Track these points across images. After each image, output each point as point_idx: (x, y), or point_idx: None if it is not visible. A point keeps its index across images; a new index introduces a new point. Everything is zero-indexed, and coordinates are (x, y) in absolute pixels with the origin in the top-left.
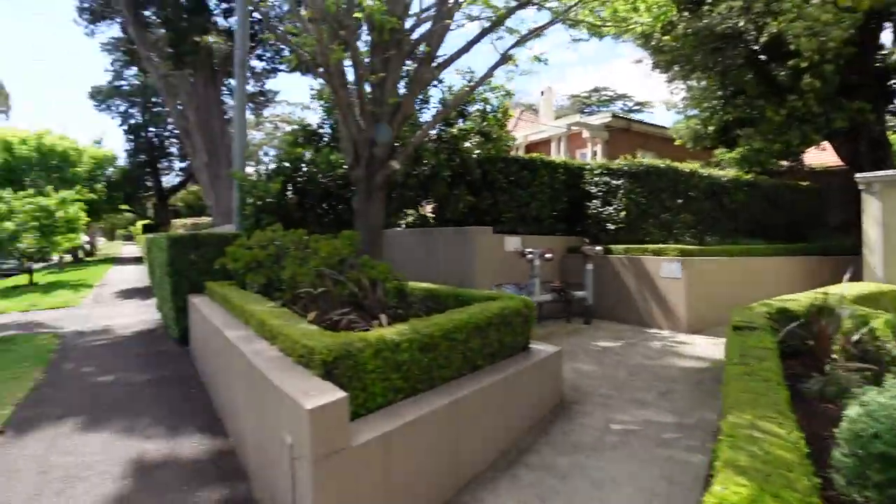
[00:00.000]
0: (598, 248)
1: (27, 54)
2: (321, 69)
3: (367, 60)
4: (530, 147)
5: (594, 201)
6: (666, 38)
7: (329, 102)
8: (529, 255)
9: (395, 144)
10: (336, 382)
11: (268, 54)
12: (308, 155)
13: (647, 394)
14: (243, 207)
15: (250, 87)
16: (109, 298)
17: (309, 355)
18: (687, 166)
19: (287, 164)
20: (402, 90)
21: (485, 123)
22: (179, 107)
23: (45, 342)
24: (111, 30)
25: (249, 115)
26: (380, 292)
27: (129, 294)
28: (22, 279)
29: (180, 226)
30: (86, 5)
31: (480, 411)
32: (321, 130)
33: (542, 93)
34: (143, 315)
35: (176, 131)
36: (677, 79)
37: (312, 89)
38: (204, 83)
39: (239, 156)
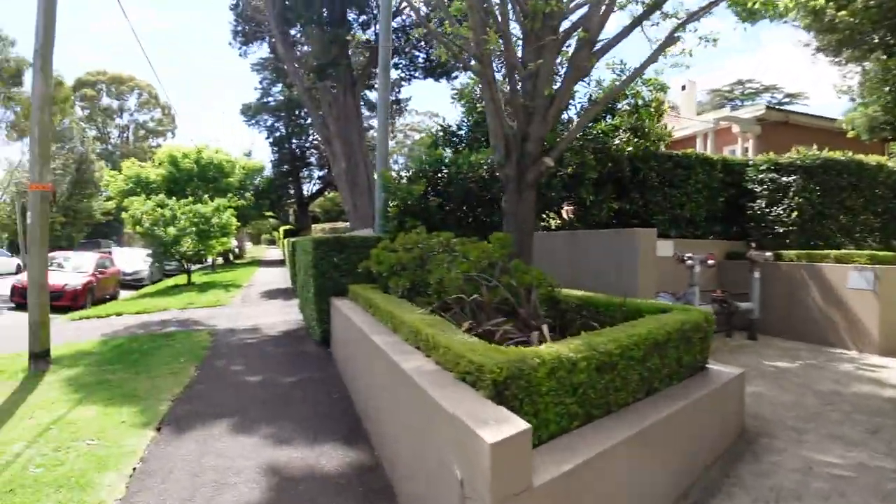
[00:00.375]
0: (768, 253)
1: (188, 77)
2: (472, 61)
3: (519, 52)
4: (671, 146)
5: (758, 201)
6: (841, 13)
7: (469, 102)
8: (689, 261)
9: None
10: (507, 406)
11: (402, 62)
12: (448, 156)
13: (851, 429)
14: (386, 210)
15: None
16: (256, 298)
17: (477, 373)
18: (872, 159)
19: (428, 167)
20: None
21: (636, 118)
22: (321, 117)
23: (200, 339)
24: (261, 49)
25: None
26: (535, 300)
27: (273, 295)
28: (181, 279)
29: (319, 230)
30: (239, 29)
31: (663, 443)
32: (460, 132)
33: (684, 87)
34: (286, 315)
35: (315, 141)
36: (851, 61)
37: (454, 89)
38: (343, 93)
39: (382, 157)
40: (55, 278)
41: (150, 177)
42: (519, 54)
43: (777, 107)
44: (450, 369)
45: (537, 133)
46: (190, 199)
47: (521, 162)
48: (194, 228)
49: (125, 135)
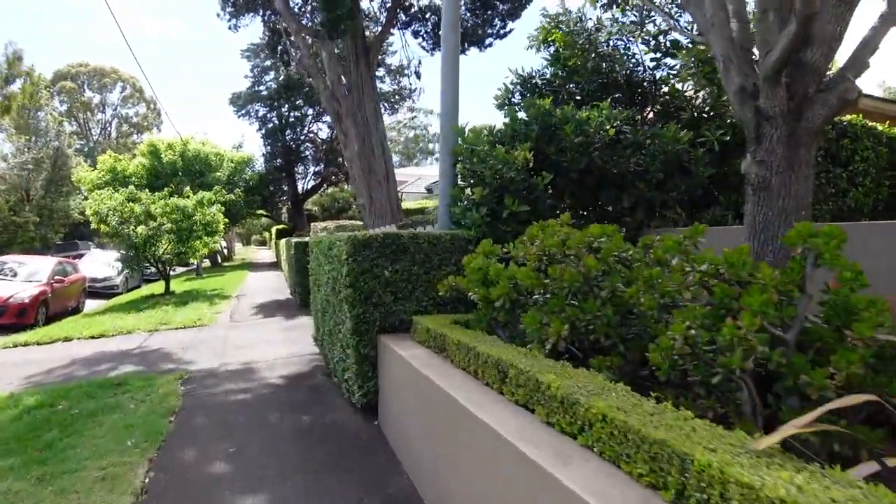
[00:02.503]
0: None
1: (175, 72)
2: None
3: None
4: None
5: None
6: None
7: (564, 44)
8: None
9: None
10: None
11: (423, 29)
12: (558, 113)
13: None
14: (461, 193)
15: (387, 86)
16: (248, 315)
17: None
18: None
19: (528, 125)
20: None
21: None
22: (329, 90)
23: (166, 392)
24: (253, 24)
25: (387, 118)
26: None
27: (269, 310)
28: (158, 286)
29: (321, 229)
30: None
31: None
32: (546, 81)
33: None
34: (291, 344)
35: (311, 134)
36: None
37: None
38: (356, 62)
39: (447, 110)
40: None
41: (129, 170)
42: None
43: None
44: None
45: (829, 30)
46: (165, 191)
47: (796, 86)
48: (172, 226)
49: (108, 130)
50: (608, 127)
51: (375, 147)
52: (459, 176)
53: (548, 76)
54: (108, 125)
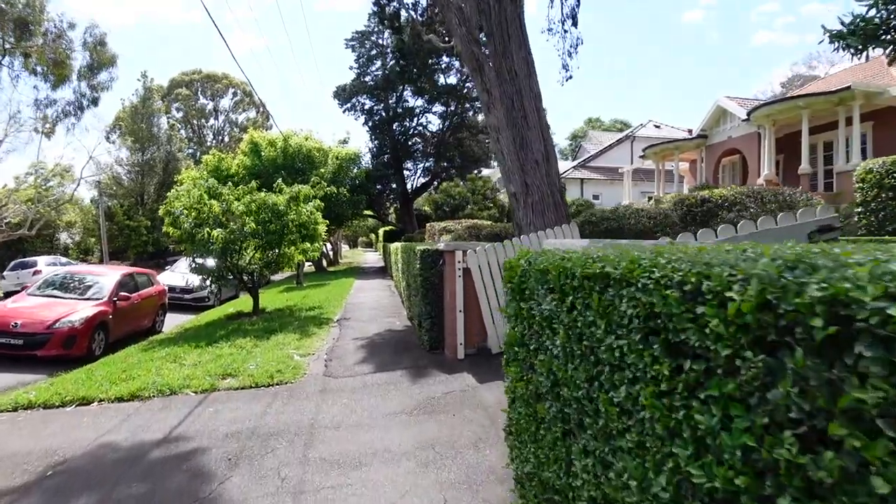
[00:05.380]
0: None
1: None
2: None
3: None
4: None
5: None
6: None
7: None
8: None
9: None
10: None
11: None
12: None
13: None
14: None
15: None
16: (353, 361)
17: None
18: None
19: None
20: None
21: None
22: (464, 27)
23: None
24: None
25: None
26: None
27: (384, 352)
28: (244, 302)
29: (440, 230)
30: None
31: None
32: None
33: None
34: (436, 436)
35: (420, 128)
36: None
37: None
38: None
39: None
40: (42, 310)
41: (232, 168)
42: None
43: None
44: None
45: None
46: (254, 183)
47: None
48: (259, 228)
49: (221, 136)
50: None
51: (529, 113)
52: None
53: None
54: (221, 130)
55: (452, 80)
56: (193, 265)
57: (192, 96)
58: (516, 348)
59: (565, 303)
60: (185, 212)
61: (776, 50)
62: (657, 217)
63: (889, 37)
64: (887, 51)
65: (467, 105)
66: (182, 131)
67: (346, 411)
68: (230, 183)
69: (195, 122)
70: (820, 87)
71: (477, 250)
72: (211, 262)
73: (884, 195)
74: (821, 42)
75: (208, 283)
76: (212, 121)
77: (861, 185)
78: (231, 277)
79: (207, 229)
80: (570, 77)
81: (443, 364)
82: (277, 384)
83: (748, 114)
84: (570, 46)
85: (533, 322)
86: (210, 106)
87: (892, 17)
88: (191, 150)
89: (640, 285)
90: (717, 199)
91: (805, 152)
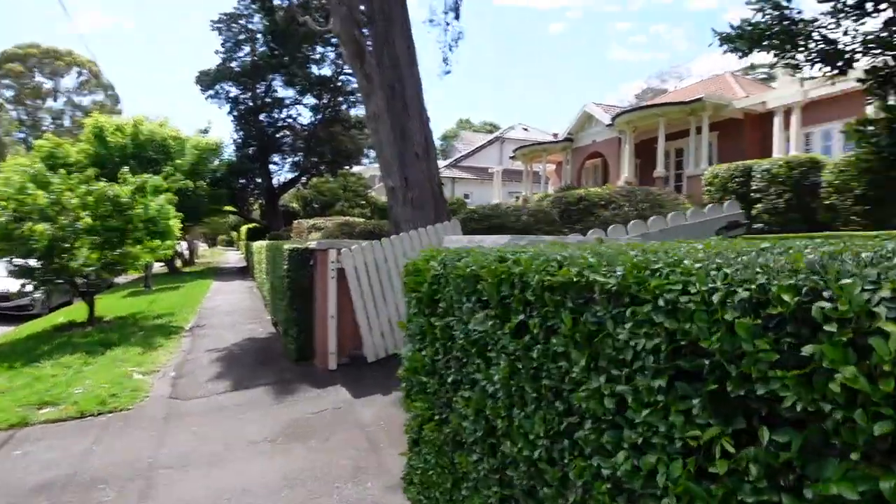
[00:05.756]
0: None
1: (131, 46)
2: None
3: None
4: None
5: None
6: None
7: None
8: None
9: None
10: None
11: None
12: None
13: None
14: None
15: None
16: (206, 377)
17: None
18: None
19: None
20: None
21: None
22: (344, 4)
23: None
24: None
25: None
26: None
27: (243, 365)
28: (79, 310)
29: (307, 229)
30: None
31: None
32: None
33: None
34: (308, 466)
35: (290, 119)
36: None
37: None
38: None
39: None
40: None
41: (71, 156)
42: None
43: None
44: None
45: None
46: (89, 172)
47: None
48: (96, 224)
49: (60, 120)
50: None
51: (411, 102)
52: None
53: None
54: (61, 114)
55: (327, 71)
56: (12, 267)
57: (26, 73)
58: (423, 378)
59: (509, 323)
60: (2, 203)
61: (629, 66)
62: (537, 214)
63: (770, 42)
64: (770, 54)
65: (341, 98)
66: (14, 113)
67: (197, 442)
68: (63, 171)
69: (29, 101)
70: (675, 98)
71: (353, 249)
72: (34, 263)
73: (729, 197)
74: (710, 45)
75: (30, 288)
76: (50, 102)
77: (709, 187)
78: (61, 282)
79: (30, 224)
80: (449, 71)
81: (312, 377)
82: (110, 412)
83: (612, 119)
84: (452, 40)
85: (452, 346)
86: (49, 85)
87: (774, 22)
88: (22, 135)
89: (660, 303)
90: (593, 197)
91: (661, 157)
